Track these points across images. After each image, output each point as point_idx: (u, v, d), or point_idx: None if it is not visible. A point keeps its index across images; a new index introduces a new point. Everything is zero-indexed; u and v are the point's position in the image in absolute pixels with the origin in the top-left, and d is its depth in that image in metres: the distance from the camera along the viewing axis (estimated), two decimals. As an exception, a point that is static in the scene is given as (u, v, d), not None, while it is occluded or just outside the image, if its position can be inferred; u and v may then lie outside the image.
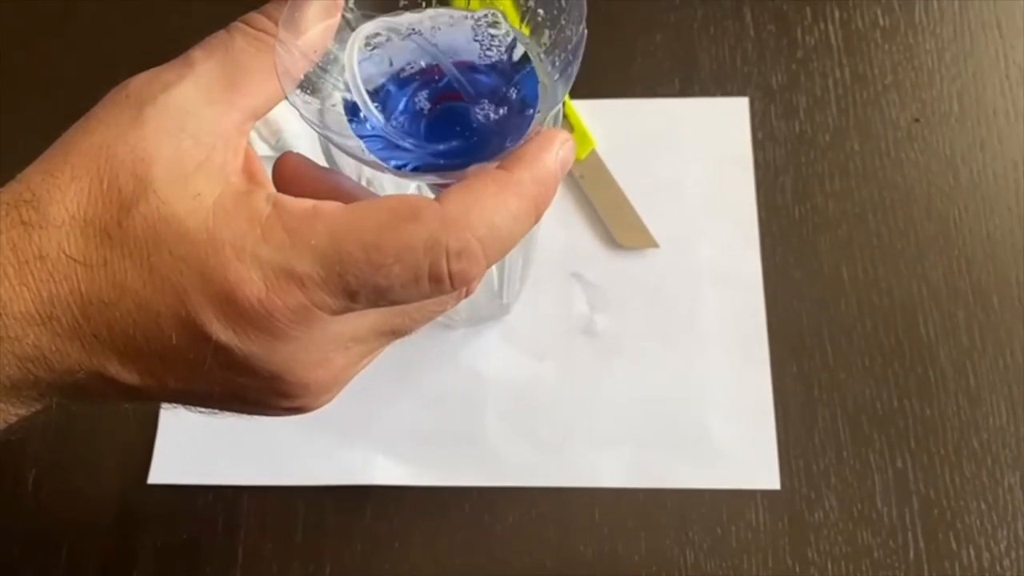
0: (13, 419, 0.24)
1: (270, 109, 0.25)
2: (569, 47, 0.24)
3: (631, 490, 0.47)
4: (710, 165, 0.53)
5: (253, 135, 0.46)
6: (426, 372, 0.49)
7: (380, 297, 0.23)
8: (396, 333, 0.26)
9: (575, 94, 0.54)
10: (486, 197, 0.23)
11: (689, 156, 0.54)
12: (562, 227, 0.52)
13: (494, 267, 0.44)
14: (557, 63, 0.25)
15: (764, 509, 0.46)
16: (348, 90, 0.24)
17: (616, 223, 0.52)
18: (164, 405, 0.47)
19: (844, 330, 0.50)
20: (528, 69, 0.25)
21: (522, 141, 0.24)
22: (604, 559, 0.46)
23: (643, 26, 0.57)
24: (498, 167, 0.24)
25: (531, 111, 0.25)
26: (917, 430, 0.48)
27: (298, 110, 0.24)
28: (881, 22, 0.57)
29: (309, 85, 0.24)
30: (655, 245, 0.51)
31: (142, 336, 0.23)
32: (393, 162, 0.25)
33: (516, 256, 0.44)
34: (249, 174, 0.25)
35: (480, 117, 0.24)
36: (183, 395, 0.25)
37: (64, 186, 0.23)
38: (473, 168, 0.24)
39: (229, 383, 0.24)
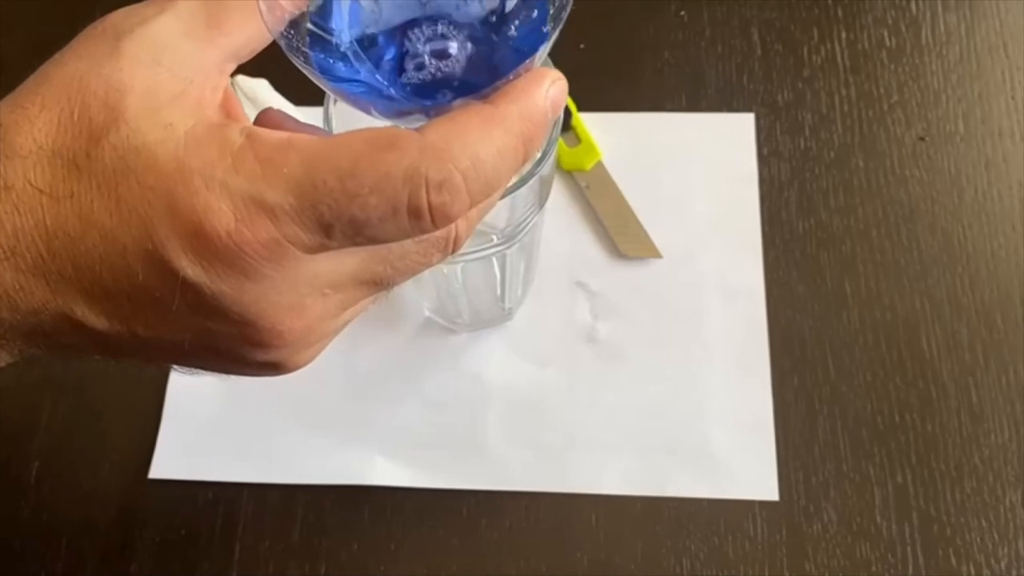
0: None
1: (254, 52, 0.25)
2: None
3: (629, 498, 0.47)
4: (715, 179, 0.54)
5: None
6: (428, 375, 0.49)
7: (356, 232, 0.22)
8: (377, 283, 0.25)
9: (583, 107, 0.55)
10: (469, 129, 0.22)
11: (694, 170, 0.54)
12: (566, 235, 0.52)
13: (496, 270, 0.45)
14: (551, 9, 0.24)
15: (762, 520, 0.46)
16: (336, 35, 0.24)
17: (620, 233, 0.52)
18: (165, 404, 0.48)
19: (846, 344, 0.50)
20: (524, 14, 0.24)
21: (511, 76, 0.23)
22: (600, 566, 0.45)
23: (652, 43, 0.58)
24: (484, 103, 0.23)
25: (523, 56, 0.24)
26: (918, 445, 0.47)
27: (284, 51, 0.24)
28: (888, 43, 0.57)
29: (295, 27, 0.24)
30: (658, 255, 0.52)
31: (108, 273, 0.22)
32: (380, 106, 0.24)
33: (518, 260, 0.45)
34: (227, 110, 0.24)
35: (472, 70, 0.24)
36: (153, 345, 0.24)
37: (33, 116, 0.22)
38: (458, 103, 0.23)
39: (199, 329, 0.23)
